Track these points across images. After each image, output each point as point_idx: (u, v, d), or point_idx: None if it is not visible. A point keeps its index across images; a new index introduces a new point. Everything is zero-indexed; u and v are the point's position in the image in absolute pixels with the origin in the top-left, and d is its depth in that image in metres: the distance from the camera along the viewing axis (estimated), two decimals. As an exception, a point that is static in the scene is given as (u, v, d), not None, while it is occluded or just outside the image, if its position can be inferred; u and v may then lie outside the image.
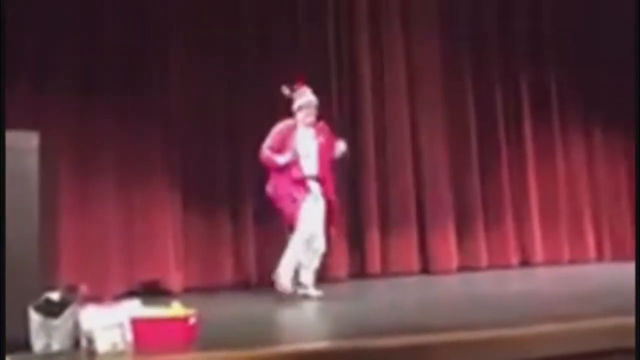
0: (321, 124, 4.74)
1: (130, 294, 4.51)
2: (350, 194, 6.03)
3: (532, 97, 6.82)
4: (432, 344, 2.51)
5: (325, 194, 4.56)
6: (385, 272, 5.97)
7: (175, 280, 5.35)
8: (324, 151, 4.61)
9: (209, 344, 2.66)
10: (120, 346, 2.54)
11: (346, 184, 6.02)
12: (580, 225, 6.80)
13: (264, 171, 5.64)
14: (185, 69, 5.57)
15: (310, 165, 4.56)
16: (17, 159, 2.77)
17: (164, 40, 5.50)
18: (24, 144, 2.81)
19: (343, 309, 4.09)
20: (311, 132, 4.63)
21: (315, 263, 4.51)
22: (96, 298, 2.97)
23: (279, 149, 4.57)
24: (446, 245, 6.10)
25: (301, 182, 4.50)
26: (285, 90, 4.71)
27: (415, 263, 6.09)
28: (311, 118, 4.62)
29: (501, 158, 6.63)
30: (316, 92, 5.89)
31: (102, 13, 5.33)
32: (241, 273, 5.63)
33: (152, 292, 5.10)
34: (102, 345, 2.53)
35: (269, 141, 4.63)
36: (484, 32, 6.68)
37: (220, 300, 4.94)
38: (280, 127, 4.65)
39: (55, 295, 2.68)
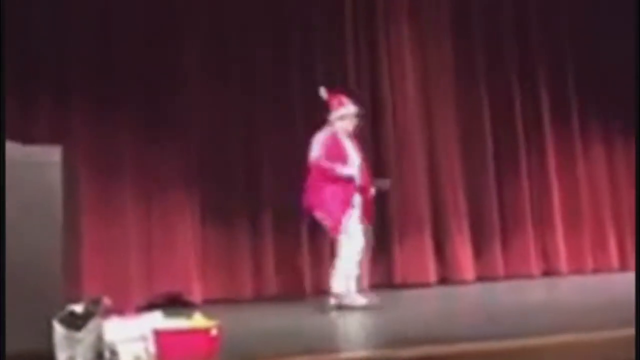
0: (356, 141, 4.72)
1: (152, 306, 4.55)
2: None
3: (552, 101, 6.74)
4: (455, 354, 2.48)
5: (362, 207, 4.47)
6: (405, 283, 5.92)
7: (195, 291, 5.38)
8: (365, 165, 4.61)
9: (230, 356, 2.66)
10: (144, 358, 2.55)
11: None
12: (603, 234, 6.70)
13: (282, 182, 5.73)
14: (203, 81, 5.65)
15: (357, 174, 4.51)
16: (40, 173, 2.81)
17: (182, 53, 5.57)
18: (47, 158, 2.84)
19: (370, 319, 4.04)
20: (353, 141, 4.61)
21: (357, 271, 4.48)
22: (119, 310, 2.98)
23: (327, 157, 4.45)
24: (464, 255, 6.05)
25: (355, 191, 4.44)
26: (323, 93, 4.63)
27: (432, 273, 6.04)
28: (351, 128, 4.57)
29: (520, 164, 6.56)
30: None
31: (121, 27, 5.42)
32: (261, 284, 5.64)
33: (173, 303, 5.14)
34: (125, 357, 2.54)
35: (318, 151, 4.46)
36: (500, 35, 6.65)
37: (241, 311, 4.93)
38: (322, 137, 4.52)
39: (78, 308, 2.69)
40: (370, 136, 6.13)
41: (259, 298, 5.54)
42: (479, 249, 6.22)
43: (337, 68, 6.05)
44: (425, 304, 4.99)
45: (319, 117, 5.85)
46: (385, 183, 4.75)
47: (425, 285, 5.90)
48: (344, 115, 4.54)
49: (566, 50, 6.83)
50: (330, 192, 4.39)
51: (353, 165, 4.46)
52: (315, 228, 5.75)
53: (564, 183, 6.66)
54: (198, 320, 2.67)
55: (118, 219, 5.20)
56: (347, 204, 4.37)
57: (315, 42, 6.01)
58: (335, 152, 4.45)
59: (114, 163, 5.26)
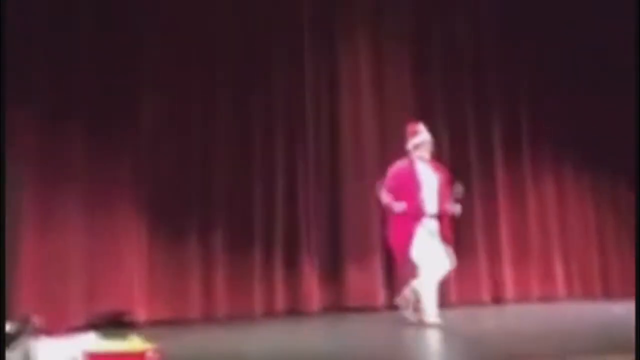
0: (438, 165, 4.88)
1: (92, 326, 4.37)
2: (328, 228, 6.04)
3: (504, 134, 6.89)
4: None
5: (441, 231, 4.61)
6: (355, 306, 5.89)
7: (140, 311, 5.21)
8: (443, 188, 4.71)
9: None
10: (73, 382, 2.43)
11: (325, 217, 6.04)
12: (550, 262, 6.82)
13: (236, 199, 5.67)
14: (156, 94, 5.56)
15: (431, 201, 4.62)
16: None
17: (134, 67, 5.47)
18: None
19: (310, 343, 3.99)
20: (429, 168, 4.75)
21: (434, 293, 4.60)
22: (54, 330, 2.85)
23: (396, 187, 4.63)
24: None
25: (418, 220, 4.55)
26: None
27: (381, 297, 6.02)
28: (428, 155, 4.76)
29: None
30: (292, 126, 6.03)
31: (70, 34, 5.26)
32: (210, 305, 5.52)
33: (115, 324, 4.95)
34: (53, 380, 2.42)
35: (387, 181, 4.70)
36: (458, 67, 6.77)
37: (187, 333, 4.80)
38: (394, 168, 4.76)
39: (8, 327, 2.57)
40: (326, 159, 6.15)
41: (209, 319, 5.42)
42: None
43: (296, 86, 6.07)
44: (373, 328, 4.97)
45: (275, 134, 5.94)
46: (459, 189, 4.81)
47: (373, 309, 5.87)
48: (419, 144, 4.74)
49: (520, 84, 7.00)
50: (394, 223, 4.65)
51: (423, 192, 4.58)
52: (269, 249, 5.75)
53: (514, 212, 6.77)
54: (134, 343, 2.57)
55: (60, 232, 5.01)
56: (407, 234, 4.52)
57: (275, 57, 6.02)
58: (404, 182, 4.61)
59: (59, 178, 5.08)
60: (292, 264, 5.81)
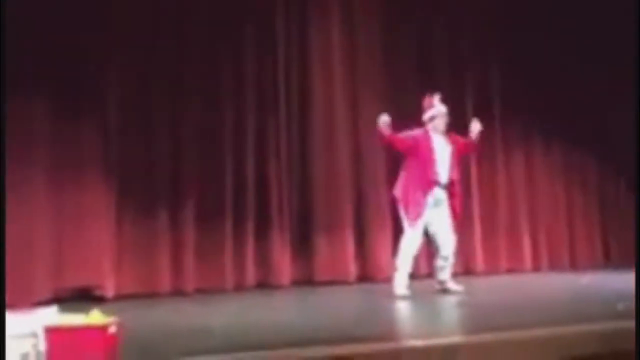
0: (452, 135, 4.96)
1: (59, 300, 4.32)
2: (300, 201, 6.01)
3: (476, 109, 6.90)
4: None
5: (451, 201, 4.79)
6: (325, 280, 5.91)
7: (109, 286, 5.16)
8: (456, 159, 4.86)
9: (131, 354, 2.53)
10: (32, 357, 2.39)
11: (297, 190, 6.01)
12: (518, 236, 6.93)
13: (206, 172, 5.62)
14: (124, 71, 5.43)
15: (443, 171, 4.77)
16: None
17: (102, 40, 5.31)
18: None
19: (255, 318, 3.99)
20: (443, 139, 4.86)
21: (449, 264, 4.83)
22: (18, 305, 2.80)
23: (408, 144, 4.79)
24: (385, 253, 6.07)
25: (430, 186, 4.69)
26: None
27: (352, 270, 6.05)
28: (443, 126, 4.86)
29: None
30: (262, 100, 5.95)
31: (35, 9, 5.07)
32: (180, 279, 5.48)
33: (83, 298, 4.91)
34: (11, 355, 2.37)
35: (401, 134, 4.83)
36: (430, 47, 6.74)
37: (156, 307, 4.77)
38: (415, 131, 4.88)
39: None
40: (297, 132, 6.11)
41: (178, 293, 5.39)
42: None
43: (268, 61, 5.98)
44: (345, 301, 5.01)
45: (246, 107, 5.86)
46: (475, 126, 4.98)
47: (344, 282, 5.91)
48: (433, 116, 4.85)
49: (492, 61, 7.01)
50: (406, 184, 4.76)
51: (436, 163, 4.74)
52: (239, 222, 5.71)
53: (484, 188, 6.83)
54: (95, 317, 2.53)
55: (27, 207, 4.90)
56: (419, 204, 4.67)
57: (247, 32, 5.92)
58: (418, 148, 4.74)
59: (24, 149, 4.95)
60: (262, 237, 5.78)
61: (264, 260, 5.78)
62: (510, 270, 6.77)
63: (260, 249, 5.77)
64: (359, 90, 6.35)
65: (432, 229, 4.76)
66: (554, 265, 7.04)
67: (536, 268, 6.97)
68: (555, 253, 7.12)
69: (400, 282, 4.67)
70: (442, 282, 4.86)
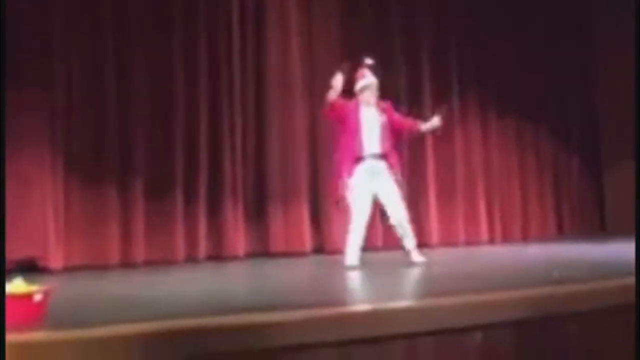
0: (385, 103, 4.80)
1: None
2: (254, 172, 5.94)
3: (433, 82, 6.91)
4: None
5: (391, 170, 4.66)
6: (281, 251, 5.89)
7: (55, 257, 5.04)
8: (388, 130, 4.72)
9: (59, 322, 2.46)
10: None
11: (251, 161, 5.93)
12: (474, 209, 7.00)
13: (157, 142, 5.49)
14: (71, 32, 5.25)
15: (372, 142, 4.62)
16: None
17: (47, 12, 5.12)
18: None
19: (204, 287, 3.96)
20: (374, 110, 4.73)
21: (406, 231, 4.69)
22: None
23: (339, 113, 4.70)
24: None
25: (360, 159, 4.59)
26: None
27: (308, 242, 6.04)
28: (374, 98, 4.74)
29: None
30: (216, 71, 5.82)
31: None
32: (130, 250, 5.39)
33: (28, 270, 4.78)
34: None
35: (337, 101, 4.73)
36: (388, 16, 6.68)
37: (99, 278, 4.68)
38: (347, 102, 4.76)
39: None
40: (252, 102, 6.01)
41: (128, 265, 5.30)
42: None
43: (221, 26, 5.85)
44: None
45: (198, 74, 5.72)
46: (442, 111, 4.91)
47: (300, 254, 5.89)
48: (363, 87, 4.73)
49: (450, 34, 7.00)
50: (340, 156, 4.68)
51: (363, 135, 4.61)
52: (192, 193, 5.62)
53: (440, 159, 6.87)
54: (18, 286, 2.45)
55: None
56: (342, 174, 4.60)
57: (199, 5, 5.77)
58: (347, 119, 4.63)
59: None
60: (215, 208, 5.71)
61: (217, 231, 5.71)
62: (466, 243, 6.86)
63: (213, 220, 5.70)
64: (316, 62, 6.26)
65: (381, 200, 4.71)
66: (508, 238, 7.16)
67: (491, 240, 7.07)
68: (509, 225, 7.23)
69: (349, 253, 4.65)
70: (406, 252, 4.75)
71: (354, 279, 4.13)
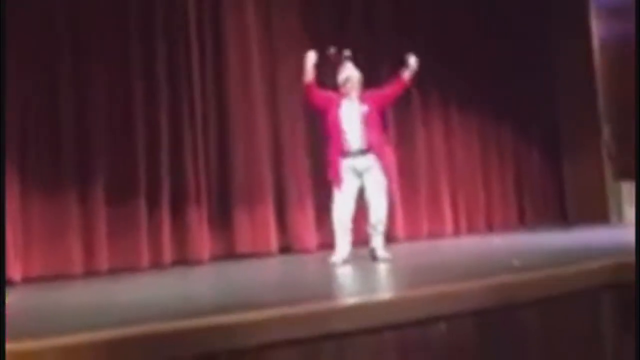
0: (367, 93, 4.66)
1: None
2: (217, 173, 5.89)
3: (394, 78, 6.94)
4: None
5: (381, 162, 4.53)
6: (246, 253, 5.86)
7: (14, 269, 4.91)
8: (373, 120, 4.57)
9: (15, 334, 2.40)
10: None
11: (214, 164, 5.89)
12: (438, 202, 7.09)
13: (117, 149, 5.40)
14: (25, 34, 5.13)
15: (354, 138, 4.50)
16: None
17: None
18: None
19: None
20: (355, 103, 4.59)
21: (378, 232, 4.60)
22: None
23: (320, 103, 4.65)
24: (306, 224, 6.08)
25: (344, 155, 4.50)
26: (331, 50, 4.70)
27: (274, 243, 6.01)
28: (355, 92, 4.62)
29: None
30: (175, 71, 5.75)
31: None
32: (92, 259, 5.28)
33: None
34: None
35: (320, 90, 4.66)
36: (348, 11, 6.70)
37: (66, 288, 4.58)
38: (333, 93, 4.68)
39: None
40: (213, 103, 5.96)
41: (91, 274, 5.20)
42: (320, 218, 6.30)
43: (179, 27, 5.80)
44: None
45: (158, 79, 5.65)
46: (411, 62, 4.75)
47: (266, 254, 5.87)
48: (343, 80, 4.65)
49: (412, 30, 7.03)
50: (329, 151, 4.62)
51: (345, 131, 4.51)
52: (155, 199, 5.54)
53: (403, 152, 6.91)
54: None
55: None
56: (338, 161, 4.52)
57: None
58: (330, 110, 4.57)
59: None
60: (179, 213, 5.63)
61: (181, 236, 5.64)
62: (431, 235, 6.93)
63: (176, 225, 5.62)
64: (277, 58, 6.24)
65: (365, 196, 4.57)
66: (472, 229, 7.27)
67: (456, 231, 7.17)
68: (473, 216, 7.34)
69: (336, 250, 4.52)
70: (372, 250, 4.64)
71: (320, 276, 4.14)
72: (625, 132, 7.16)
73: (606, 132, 7.29)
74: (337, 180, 4.53)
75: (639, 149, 6.99)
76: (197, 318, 2.49)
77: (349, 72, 4.68)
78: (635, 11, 6.74)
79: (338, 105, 4.60)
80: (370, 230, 4.62)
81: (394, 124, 6.90)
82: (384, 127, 4.91)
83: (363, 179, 4.55)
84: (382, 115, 4.90)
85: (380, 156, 4.56)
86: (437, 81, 7.20)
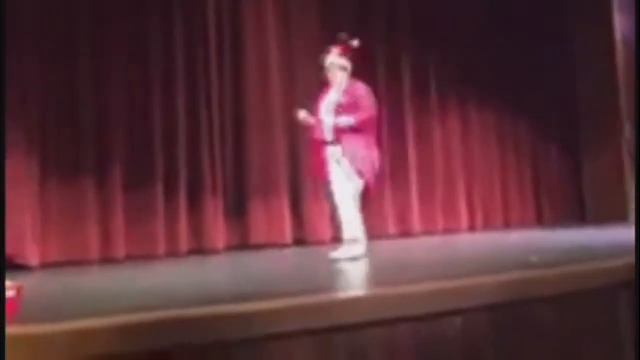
0: (352, 85, 4.41)
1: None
2: (233, 164, 5.91)
3: (413, 76, 6.94)
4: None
5: (346, 157, 4.26)
6: (261, 244, 5.88)
7: (32, 254, 4.97)
8: (345, 111, 4.30)
9: (31, 317, 2.43)
10: None
11: (231, 156, 5.90)
12: (454, 197, 7.05)
13: (136, 138, 5.44)
14: (44, 25, 5.16)
15: (329, 128, 4.31)
16: None
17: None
18: None
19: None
20: (335, 92, 4.41)
21: (339, 228, 4.36)
22: None
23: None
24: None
25: (322, 144, 4.34)
26: (355, 43, 4.47)
27: (289, 234, 6.02)
28: (335, 78, 4.41)
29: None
30: (194, 61, 5.75)
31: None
32: (109, 246, 5.33)
33: (6, 267, 4.71)
34: None
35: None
36: (368, 10, 6.68)
37: (83, 274, 4.63)
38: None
39: None
40: (230, 95, 5.97)
41: (108, 260, 5.25)
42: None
43: (198, 20, 5.81)
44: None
45: (176, 68, 5.67)
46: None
47: (281, 246, 5.88)
48: (326, 67, 4.44)
49: (431, 29, 7.02)
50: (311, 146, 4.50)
51: (321, 121, 4.33)
52: (172, 188, 5.57)
53: (421, 149, 6.90)
54: (-8, 281, 2.41)
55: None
56: (318, 159, 4.37)
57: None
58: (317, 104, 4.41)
59: None
60: (196, 202, 5.66)
61: (197, 225, 5.67)
62: (447, 231, 6.90)
63: (193, 214, 5.65)
64: (295, 49, 6.24)
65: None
66: (489, 225, 7.22)
67: (472, 228, 7.13)
68: (489, 213, 7.29)
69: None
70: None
71: (333, 268, 4.11)
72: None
73: (628, 129, 7.18)
74: (322, 172, 4.32)
75: (638, 149, 6.94)
76: (211, 306, 2.50)
77: (331, 59, 4.45)
78: (636, 11, 6.64)
79: (321, 95, 4.46)
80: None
81: (412, 122, 6.89)
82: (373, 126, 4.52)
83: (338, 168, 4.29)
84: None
85: (347, 148, 4.27)
86: (455, 79, 7.17)
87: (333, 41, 4.55)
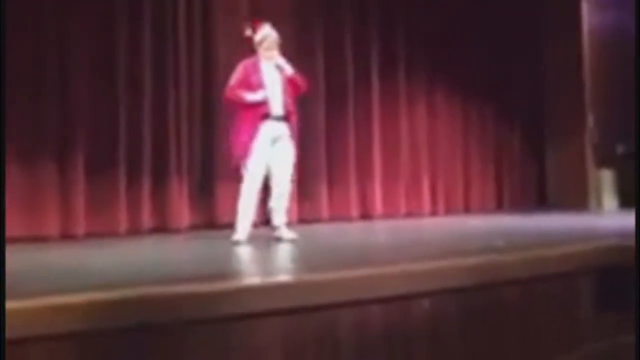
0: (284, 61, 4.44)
1: None
2: (200, 143, 5.79)
3: (381, 59, 6.95)
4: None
5: (292, 132, 4.34)
6: (228, 223, 5.79)
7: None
8: (287, 87, 4.37)
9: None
10: None
11: (196, 132, 5.77)
12: (417, 182, 7.13)
13: (99, 116, 5.26)
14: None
15: (275, 102, 4.28)
16: None
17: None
18: None
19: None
20: (274, 67, 4.39)
21: (281, 205, 4.38)
22: None
23: (245, 87, 4.32)
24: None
25: (261, 119, 4.24)
26: (248, 32, 4.48)
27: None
28: (273, 51, 4.40)
29: (347, 115, 6.72)
30: (161, 37, 5.58)
31: None
32: (70, 223, 5.17)
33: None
34: None
35: (233, 81, 4.39)
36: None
37: (42, 250, 4.49)
38: (243, 64, 4.42)
39: None
40: (199, 75, 5.84)
41: (68, 237, 5.10)
42: (305, 193, 6.28)
43: (167, 2, 5.67)
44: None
45: (143, 46, 5.50)
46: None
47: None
48: (261, 41, 4.41)
49: (399, 14, 7.04)
50: (239, 123, 4.33)
51: (266, 93, 4.27)
52: (136, 167, 5.43)
53: (386, 135, 6.94)
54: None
55: None
56: (248, 137, 4.24)
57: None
58: (246, 80, 4.32)
59: None
60: (160, 182, 5.54)
61: (161, 204, 5.56)
62: (409, 215, 6.97)
63: (157, 193, 5.54)
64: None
65: (271, 168, 4.32)
66: (450, 210, 7.32)
67: (434, 213, 7.22)
68: (451, 199, 7.40)
69: (237, 228, 4.32)
70: (276, 228, 4.41)
71: (294, 249, 4.08)
72: (609, 121, 7.23)
73: (591, 120, 7.34)
74: (245, 159, 4.25)
75: (638, 146, 7.07)
76: (176, 285, 2.45)
77: (267, 31, 4.44)
78: (636, 11, 6.75)
79: (257, 68, 4.36)
80: (273, 204, 4.39)
81: (378, 107, 6.90)
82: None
83: (275, 148, 4.30)
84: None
85: (292, 125, 4.36)
86: (425, 60, 7.20)
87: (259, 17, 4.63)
